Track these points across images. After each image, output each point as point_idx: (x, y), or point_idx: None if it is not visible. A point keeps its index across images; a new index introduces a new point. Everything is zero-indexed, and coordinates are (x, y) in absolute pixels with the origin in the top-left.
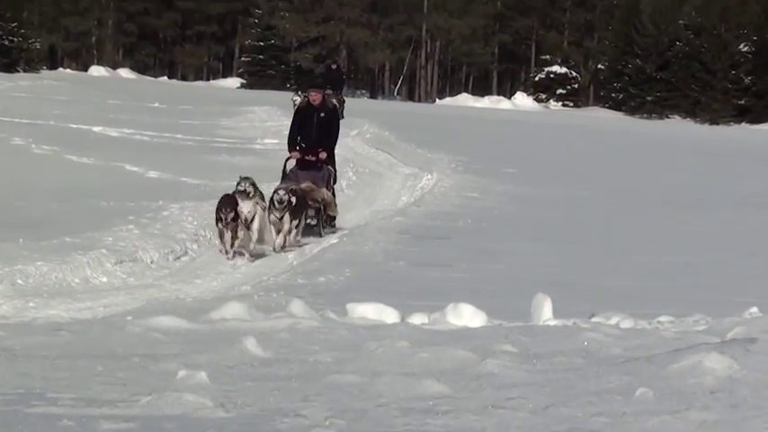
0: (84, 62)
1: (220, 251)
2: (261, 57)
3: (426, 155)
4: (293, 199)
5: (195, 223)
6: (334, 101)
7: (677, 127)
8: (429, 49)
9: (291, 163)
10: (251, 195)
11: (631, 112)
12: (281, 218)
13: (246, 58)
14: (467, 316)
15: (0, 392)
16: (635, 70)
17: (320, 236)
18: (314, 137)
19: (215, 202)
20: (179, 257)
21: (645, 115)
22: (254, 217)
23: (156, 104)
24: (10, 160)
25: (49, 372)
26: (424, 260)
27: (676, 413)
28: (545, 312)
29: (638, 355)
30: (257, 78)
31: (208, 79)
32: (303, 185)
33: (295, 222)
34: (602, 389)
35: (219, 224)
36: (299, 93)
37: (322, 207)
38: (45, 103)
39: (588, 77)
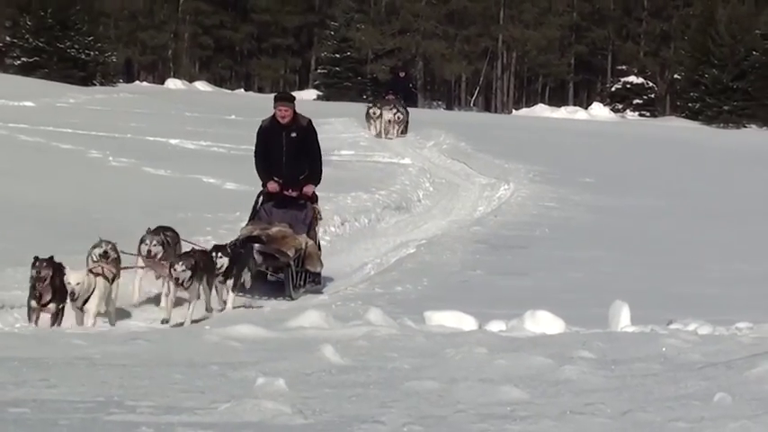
0: (160, 75)
1: None
2: (337, 69)
3: (503, 165)
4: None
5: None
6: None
7: (755, 136)
8: (505, 60)
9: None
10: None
11: (708, 121)
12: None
13: (322, 70)
14: (544, 323)
15: (80, 400)
16: (711, 80)
17: (291, 298)
18: (284, 163)
19: None
20: None
21: (722, 125)
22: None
23: (233, 117)
24: (87, 173)
25: (127, 380)
26: (501, 269)
27: (755, 417)
28: (623, 319)
29: (716, 361)
30: (333, 90)
31: (288, 89)
32: (274, 230)
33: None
34: (681, 394)
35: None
36: (377, 105)
37: (301, 258)
38: (121, 116)
39: (665, 87)
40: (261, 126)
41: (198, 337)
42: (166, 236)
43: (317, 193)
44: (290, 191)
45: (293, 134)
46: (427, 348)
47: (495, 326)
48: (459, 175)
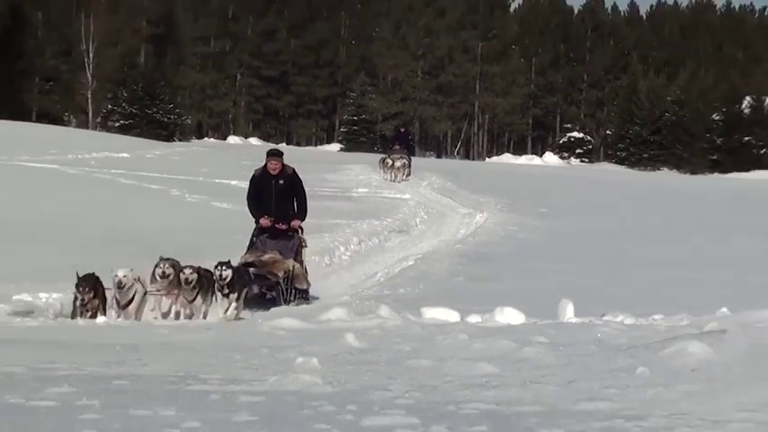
0: (223, 133)
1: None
2: (355, 127)
3: (478, 199)
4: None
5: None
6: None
7: (667, 176)
8: (480, 121)
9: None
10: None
11: (632, 165)
12: (193, 298)
13: (344, 129)
14: (510, 316)
15: (166, 375)
16: (634, 135)
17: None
18: (273, 204)
19: (322, 238)
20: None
21: (642, 168)
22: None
23: None
24: (170, 206)
25: (200, 359)
26: (477, 276)
27: (668, 385)
28: (568, 313)
29: (638, 344)
30: (352, 143)
31: (315, 145)
32: (266, 257)
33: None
34: (611, 368)
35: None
36: (389, 156)
37: (290, 278)
38: (194, 164)
39: (599, 140)
40: (253, 175)
41: (252, 328)
42: (173, 263)
43: (302, 226)
44: (280, 224)
45: (281, 181)
46: (423, 335)
47: (474, 318)
48: (446, 207)
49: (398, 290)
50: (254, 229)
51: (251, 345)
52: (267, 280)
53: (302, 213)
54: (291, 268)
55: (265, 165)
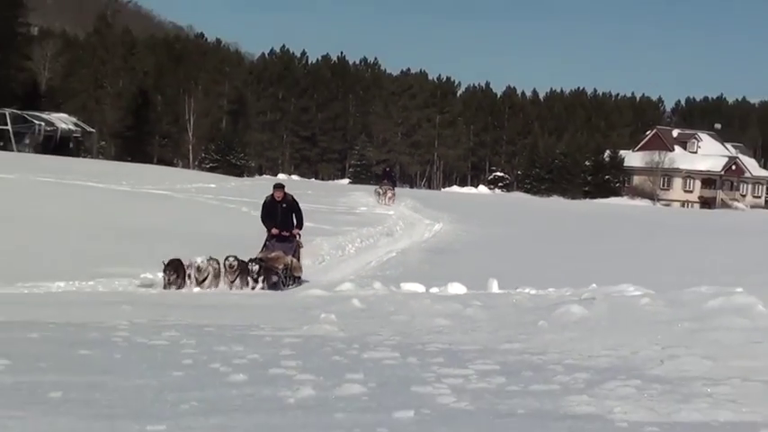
0: (274, 172)
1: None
2: (359, 169)
3: (437, 214)
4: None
5: (327, 246)
6: (293, 195)
7: (557, 201)
8: (438, 164)
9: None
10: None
11: (534, 194)
12: (234, 279)
13: (351, 170)
14: (457, 288)
15: (236, 325)
16: (535, 174)
17: (282, 289)
18: (279, 221)
19: (336, 239)
20: (320, 263)
21: (540, 195)
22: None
23: (310, 192)
24: (240, 219)
25: (258, 315)
26: (437, 263)
27: (558, 333)
28: (494, 286)
29: (539, 306)
30: (357, 179)
31: (333, 180)
32: (272, 254)
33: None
34: (522, 321)
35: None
36: (381, 187)
37: (288, 269)
38: (256, 190)
39: (513, 178)
40: (265, 201)
41: (292, 296)
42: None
43: (300, 233)
44: (284, 232)
45: (284, 205)
46: (402, 300)
47: (434, 290)
48: (416, 219)
49: (386, 272)
50: (267, 236)
51: (291, 306)
52: (272, 271)
53: (299, 225)
54: (290, 262)
55: (273, 194)
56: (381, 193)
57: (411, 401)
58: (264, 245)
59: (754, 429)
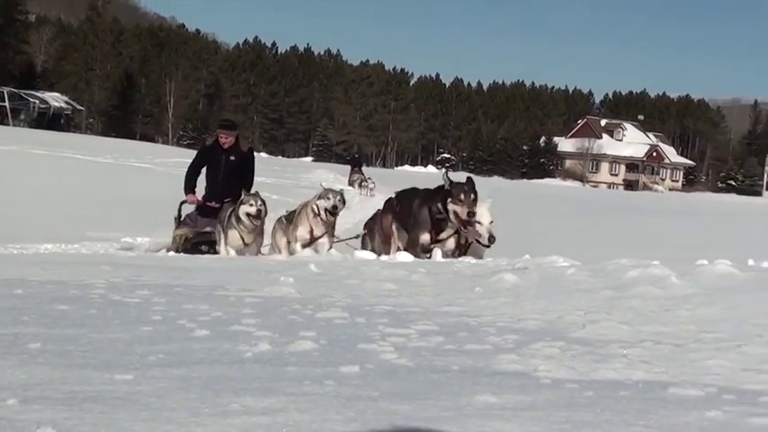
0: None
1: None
2: (321, 148)
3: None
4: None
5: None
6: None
7: (497, 181)
8: (392, 146)
9: (189, 208)
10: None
11: (478, 173)
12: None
13: (314, 149)
14: (405, 257)
15: (205, 286)
16: (478, 157)
17: None
18: (220, 183)
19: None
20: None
21: (483, 176)
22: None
23: (276, 168)
24: None
25: (225, 277)
26: None
27: (492, 298)
28: (438, 256)
29: (477, 274)
30: (319, 157)
31: (298, 157)
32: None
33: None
34: (461, 287)
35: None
36: (354, 176)
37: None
38: None
39: (459, 159)
40: (203, 146)
41: (256, 260)
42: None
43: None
44: (212, 203)
45: (232, 157)
46: (354, 266)
47: (383, 258)
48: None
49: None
50: (181, 204)
51: (256, 269)
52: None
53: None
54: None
55: (216, 138)
56: (357, 185)
57: (357, 357)
58: (178, 218)
59: (663, 387)
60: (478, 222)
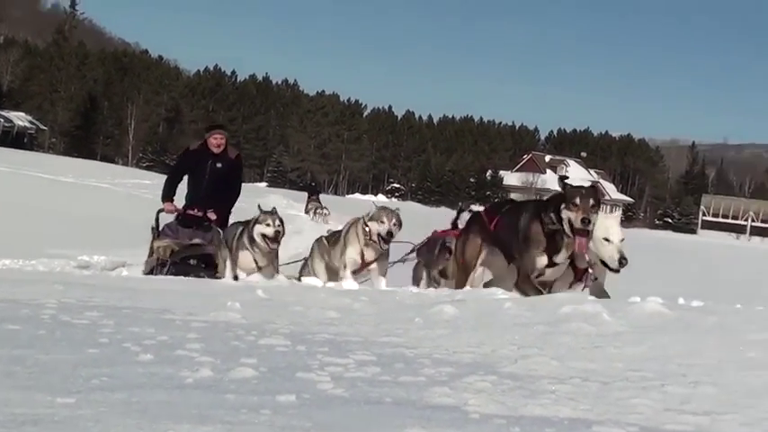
0: None
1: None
2: (275, 174)
3: (341, 216)
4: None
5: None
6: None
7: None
8: (344, 174)
9: (168, 218)
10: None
11: (425, 204)
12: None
13: (269, 175)
14: (350, 285)
15: (152, 308)
16: (427, 187)
17: None
18: (203, 191)
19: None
20: None
21: (431, 206)
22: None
23: None
24: None
25: (177, 300)
26: None
27: (431, 329)
28: (382, 284)
29: (418, 304)
30: (273, 183)
31: (253, 182)
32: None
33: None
34: (402, 318)
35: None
36: (310, 205)
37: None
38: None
39: (408, 189)
40: (188, 149)
41: (205, 284)
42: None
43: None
44: (195, 211)
45: (219, 164)
46: (300, 293)
47: (330, 285)
48: (328, 220)
49: (292, 266)
50: (158, 212)
51: (205, 293)
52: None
53: (225, 204)
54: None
55: (205, 141)
56: (313, 213)
57: (295, 386)
58: (156, 229)
59: (587, 425)
60: (606, 240)
